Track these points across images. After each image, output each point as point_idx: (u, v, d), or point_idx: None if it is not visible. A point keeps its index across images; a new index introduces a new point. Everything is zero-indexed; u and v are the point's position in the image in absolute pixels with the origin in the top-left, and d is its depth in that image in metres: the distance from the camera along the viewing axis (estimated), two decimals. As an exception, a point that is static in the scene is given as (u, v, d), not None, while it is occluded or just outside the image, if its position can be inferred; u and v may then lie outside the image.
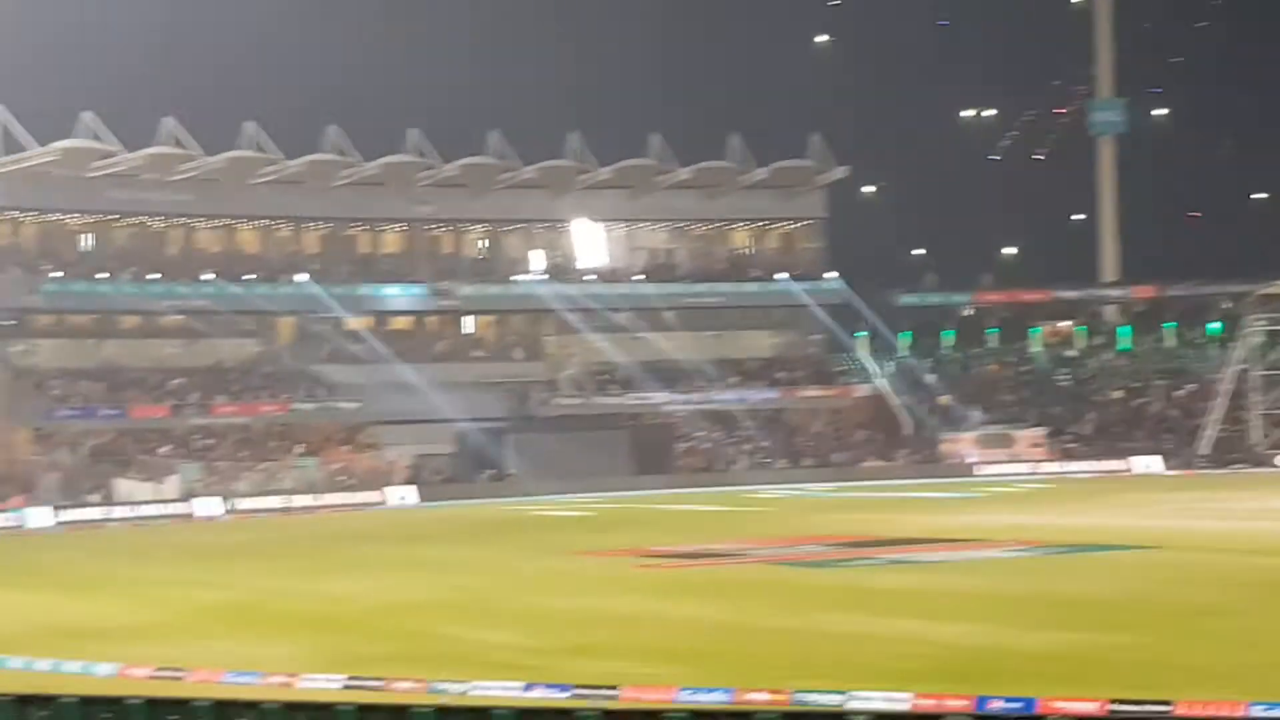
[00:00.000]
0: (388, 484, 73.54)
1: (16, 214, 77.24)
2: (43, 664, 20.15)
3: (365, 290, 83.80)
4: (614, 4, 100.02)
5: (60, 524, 61.41)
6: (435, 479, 75.98)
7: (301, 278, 79.93)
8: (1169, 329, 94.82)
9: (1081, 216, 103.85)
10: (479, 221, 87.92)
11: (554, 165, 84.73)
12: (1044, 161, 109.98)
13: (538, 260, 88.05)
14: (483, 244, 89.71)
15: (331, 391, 79.17)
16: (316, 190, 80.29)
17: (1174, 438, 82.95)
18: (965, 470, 79.96)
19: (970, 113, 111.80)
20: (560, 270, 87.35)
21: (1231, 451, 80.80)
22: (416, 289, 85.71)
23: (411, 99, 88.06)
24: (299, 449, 75.45)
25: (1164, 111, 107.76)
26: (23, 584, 36.27)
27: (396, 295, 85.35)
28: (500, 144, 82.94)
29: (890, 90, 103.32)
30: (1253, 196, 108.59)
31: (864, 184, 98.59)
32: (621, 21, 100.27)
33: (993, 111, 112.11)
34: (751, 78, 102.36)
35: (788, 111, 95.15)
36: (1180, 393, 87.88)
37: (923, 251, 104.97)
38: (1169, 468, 79.47)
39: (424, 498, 72.33)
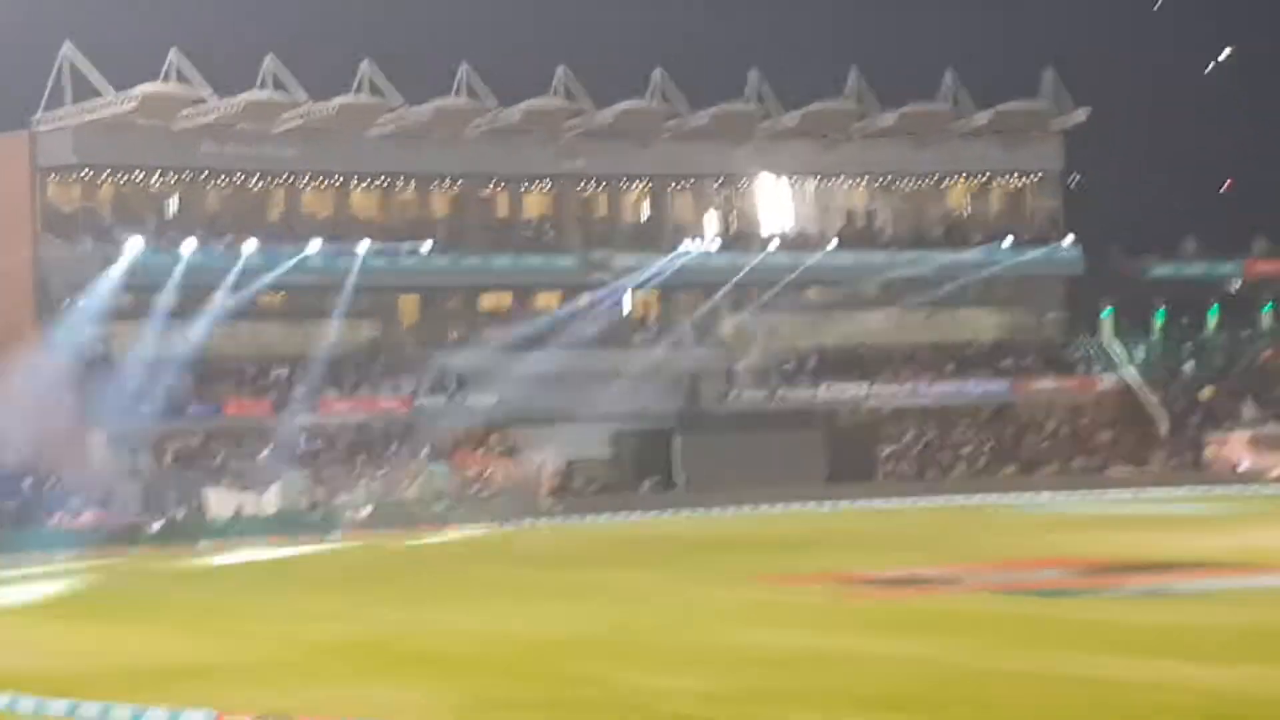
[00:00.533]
0: (533, 494, 70.28)
1: (89, 172, 73.75)
2: (122, 710, 18.82)
3: (503, 262, 79.78)
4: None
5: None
6: (590, 488, 72.09)
7: (427, 247, 75.84)
8: None
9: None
10: (640, 178, 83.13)
11: (730, 110, 79.60)
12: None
13: (711, 225, 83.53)
14: (645, 205, 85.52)
15: (463, 384, 75.32)
16: (445, 142, 76.05)
17: None
18: (1235, 478, 74.48)
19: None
20: (738, 237, 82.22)
21: None
22: (565, 260, 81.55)
23: (557, 34, 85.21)
24: (425, 452, 71.59)
25: None
26: (100, 615, 35.23)
27: (541, 267, 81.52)
28: (665, 85, 79.71)
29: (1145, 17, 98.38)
30: None
31: (1108, 130, 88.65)
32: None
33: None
34: (966, 3, 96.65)
35: (1015, 44, 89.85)
36: None
37: (1182, 212, 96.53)
38: None
39: (576, 510, 69.60)
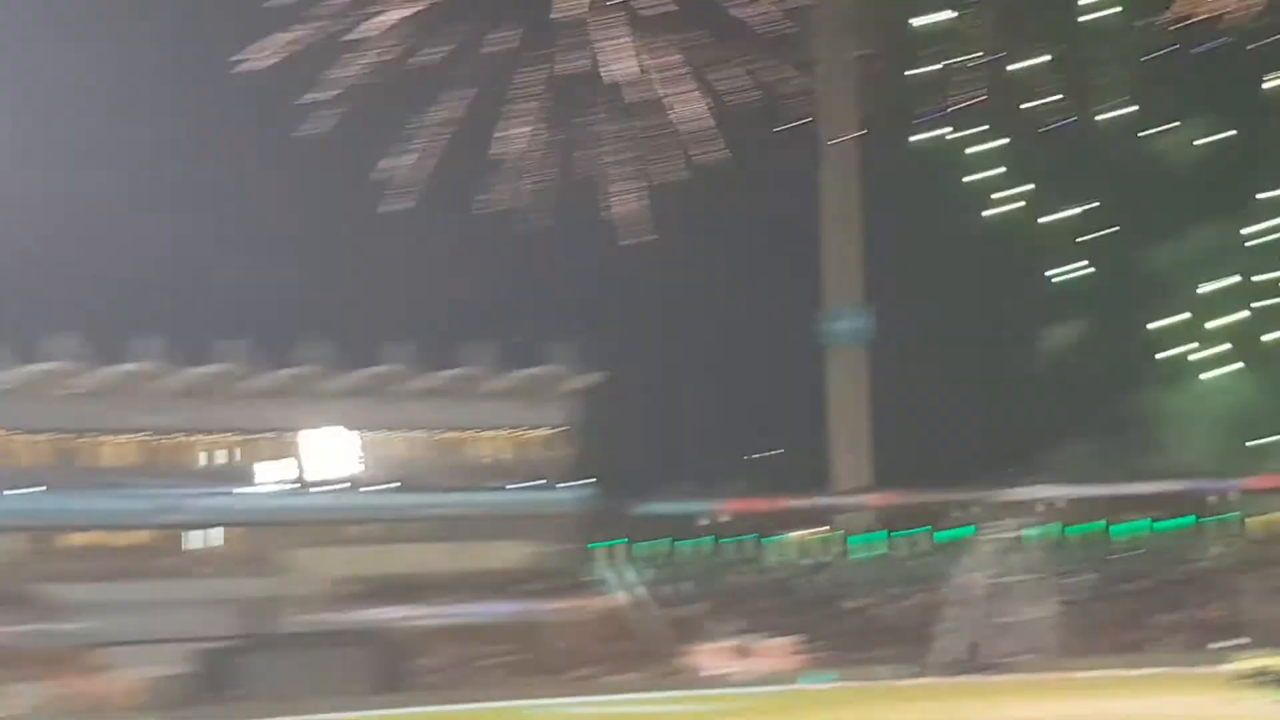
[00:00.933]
0: (120, 709, 74.46)
1: None
2: None
3: (95, 502, 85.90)
4: (353, 213, 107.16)
5: None
6: (174, 703, 77.31)
7: (21, 490, 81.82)
8: (910, 535, 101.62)
9: (822, 426, 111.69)
10: (220, 430, 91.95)
11: (298, 372, 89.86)
12: (783, 366, 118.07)
13: (280, 470, 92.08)
14: (223, 454, 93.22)
15: (53, 612, 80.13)
16: (44, 399, 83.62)
17: (913, 645, 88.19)
18: (713, 681, 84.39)
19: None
20: (303, 480, 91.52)
21: (966, 663, 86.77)
22: (150, 500, 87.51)
23: (149, 305, 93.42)
24: (15, 675, 75.12)
25: (897, 322, 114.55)
26: None
27: (129, 507, 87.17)
28: (243, 350, 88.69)
29: (641, 299, 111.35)
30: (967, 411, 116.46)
31: (614, 391, 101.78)
32: (365, 232, 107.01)
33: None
34: (498, 284, 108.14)
35: (539, 318, 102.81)
36: (921, 598, 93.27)
37: (671, 459, 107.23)
38: (912, 675, 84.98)
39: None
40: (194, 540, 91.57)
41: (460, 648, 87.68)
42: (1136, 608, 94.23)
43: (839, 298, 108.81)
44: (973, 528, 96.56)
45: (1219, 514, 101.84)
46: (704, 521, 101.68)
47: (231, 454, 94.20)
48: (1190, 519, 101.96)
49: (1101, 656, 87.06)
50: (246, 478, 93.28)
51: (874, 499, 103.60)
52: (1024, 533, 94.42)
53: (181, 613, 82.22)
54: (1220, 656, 76.66)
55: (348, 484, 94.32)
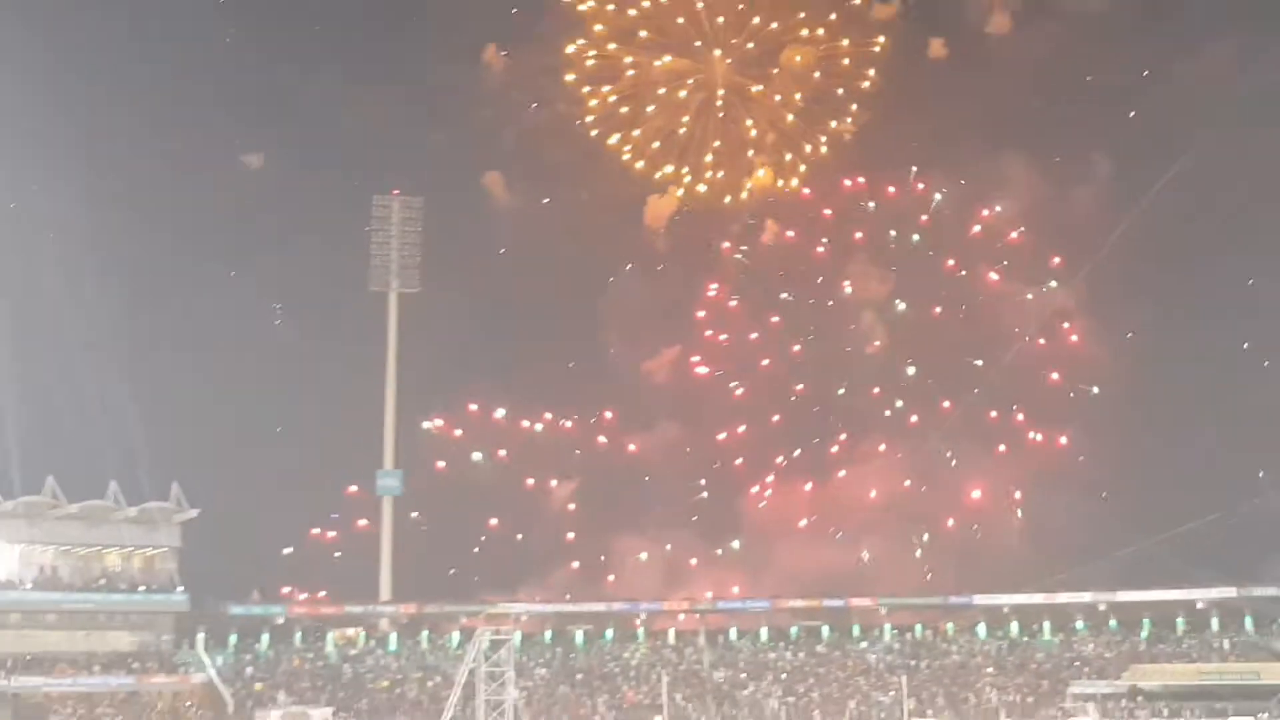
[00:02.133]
0: None
1: None
2: None
3: None
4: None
5: None
6: None
7: None
8: (424, 636, 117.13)
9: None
10: None
11: None
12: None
13: None
14: None
15: None
16: None
17: (423, 715, 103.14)
18: None
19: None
20: None
21: None
22: None
23: None
24: None
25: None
26: None
27: None
28: None
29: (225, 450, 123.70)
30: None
31: (208, 521, 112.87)
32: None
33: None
34: (124, 430, 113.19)
35: (156, 462, 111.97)
36: (430, 683, 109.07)
37: (254, 572, 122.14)
38: None
39: None
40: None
41: (82, 709, 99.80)
42: (580, 693, 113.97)
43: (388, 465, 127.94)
44: (471, 630, 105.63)
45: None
46: (279, 620, 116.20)
47: None
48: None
49: None
50: None
51: (403, 608, 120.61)
52: (508, 635, 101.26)
53: None
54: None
55: (1, 584, 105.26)
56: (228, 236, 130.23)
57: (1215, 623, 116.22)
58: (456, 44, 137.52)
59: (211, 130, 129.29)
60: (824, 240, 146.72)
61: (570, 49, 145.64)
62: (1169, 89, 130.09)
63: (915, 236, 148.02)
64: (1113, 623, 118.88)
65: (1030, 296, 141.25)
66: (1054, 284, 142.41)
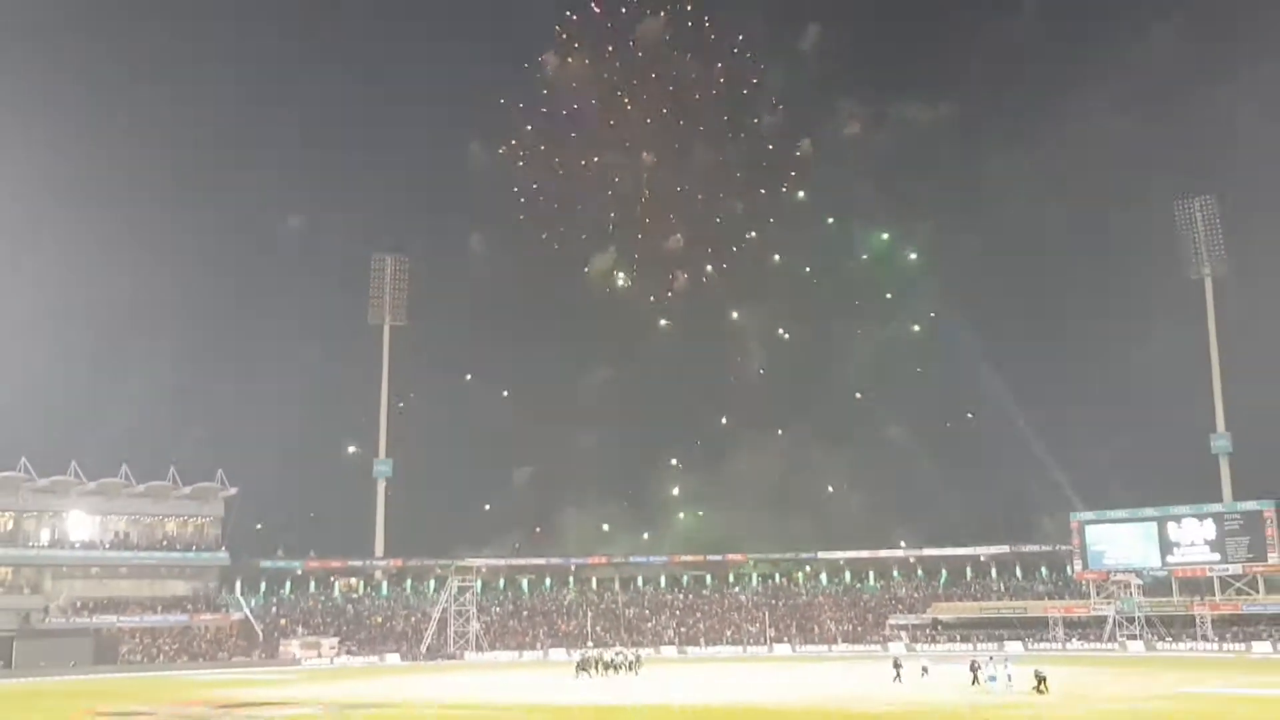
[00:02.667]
0: None
1: None
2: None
3: None
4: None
5: None
6: None
7: None
8: (408, 583, 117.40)
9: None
10: (8, 511, 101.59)
11: (59, 479, 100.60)
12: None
13: (45, 534, 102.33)
14: (10, 523, 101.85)
15: None
16: None
17: (407, 643, 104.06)
18: (293, 661, 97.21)
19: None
20: (59, 540, 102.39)
21: (438, 651, 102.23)
22: None
23: None
24: None
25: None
26: None
27: None
28: (26, 466, 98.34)
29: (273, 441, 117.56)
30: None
31: (245, 498, 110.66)
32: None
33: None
34: (182, 429, 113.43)
35: (205, 453, 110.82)
36: (412, 618, 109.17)
37: (273, 532, 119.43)
38: (406, 659, 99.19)
39: None
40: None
41: (147, 639, 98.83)
42: (525, 626, 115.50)
43: (382, 455, 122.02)
44: (444, 578, 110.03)
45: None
46: (298, 571, 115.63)
47: (15, 524, 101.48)
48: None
49: (507, 650, 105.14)
50: (25, 539, 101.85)
51: (393, 561, 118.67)
52: (472, 582, 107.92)
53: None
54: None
55: (87, 544, 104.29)
56: (267, 281, 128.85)
57: (994, 572, 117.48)
58: (445, 136, 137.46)
59: (259, 198, 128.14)
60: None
61: (500, 150, 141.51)
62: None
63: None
64: (920, 572, 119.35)
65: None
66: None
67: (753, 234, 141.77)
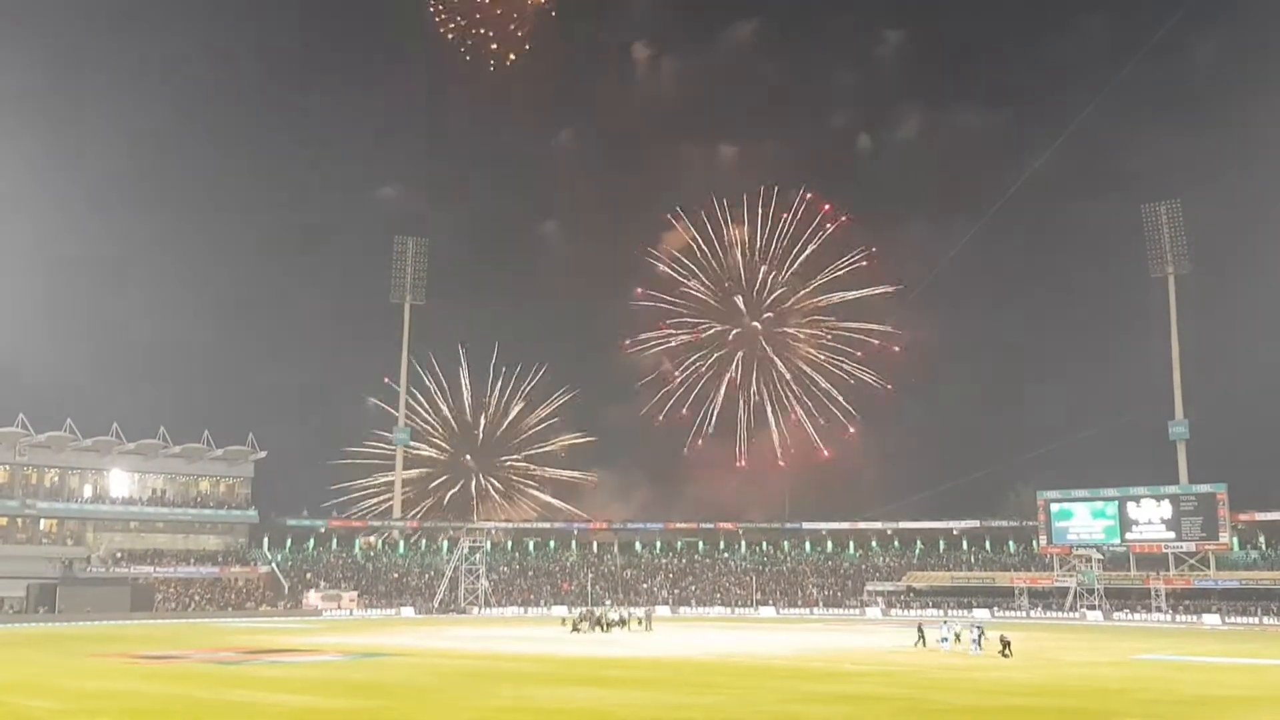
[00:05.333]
0: None
1: None
2: None
3: None
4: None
5: None
6: (10, 611, 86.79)
7: None
8: (423, 544, 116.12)
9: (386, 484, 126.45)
10: (55, 467, 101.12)
11: (102, 439, 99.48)
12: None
13: (88, 489, 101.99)
14: (57, 479, 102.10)
15: None
16: None
17: (422, 598, 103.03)
18: (315, 612, 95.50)
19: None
20: (100, 496, 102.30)
21: (449, 606, 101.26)
22: (11, 501, 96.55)
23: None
24: None
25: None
26: None
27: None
28: (71, 426, 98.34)
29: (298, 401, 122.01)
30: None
31: (274, 460, 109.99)
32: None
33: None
34: (218, 395, 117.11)
35: (238, 417, 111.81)
36: (426, 575, 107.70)
37: (302, 497, 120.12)
38: (419, 612, 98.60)
39: (6, 621, 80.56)
40: (38, 525, 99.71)
41: (181, 590, 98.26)
42: (531, 584, 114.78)
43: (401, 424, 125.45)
44: (456, 540, 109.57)
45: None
46: (322, 530, 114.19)
47: (61, 479, 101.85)
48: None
49: (511, 607, 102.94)
50: (69, 493, 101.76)
51: (410, 523, 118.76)
52: (482, 543, 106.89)
53: (28, 565, 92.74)
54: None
55: (126, 500, 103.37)
56: (300, 260, 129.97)
57: (965, 544, 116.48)
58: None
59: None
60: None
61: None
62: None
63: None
64: (896, 543, 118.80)
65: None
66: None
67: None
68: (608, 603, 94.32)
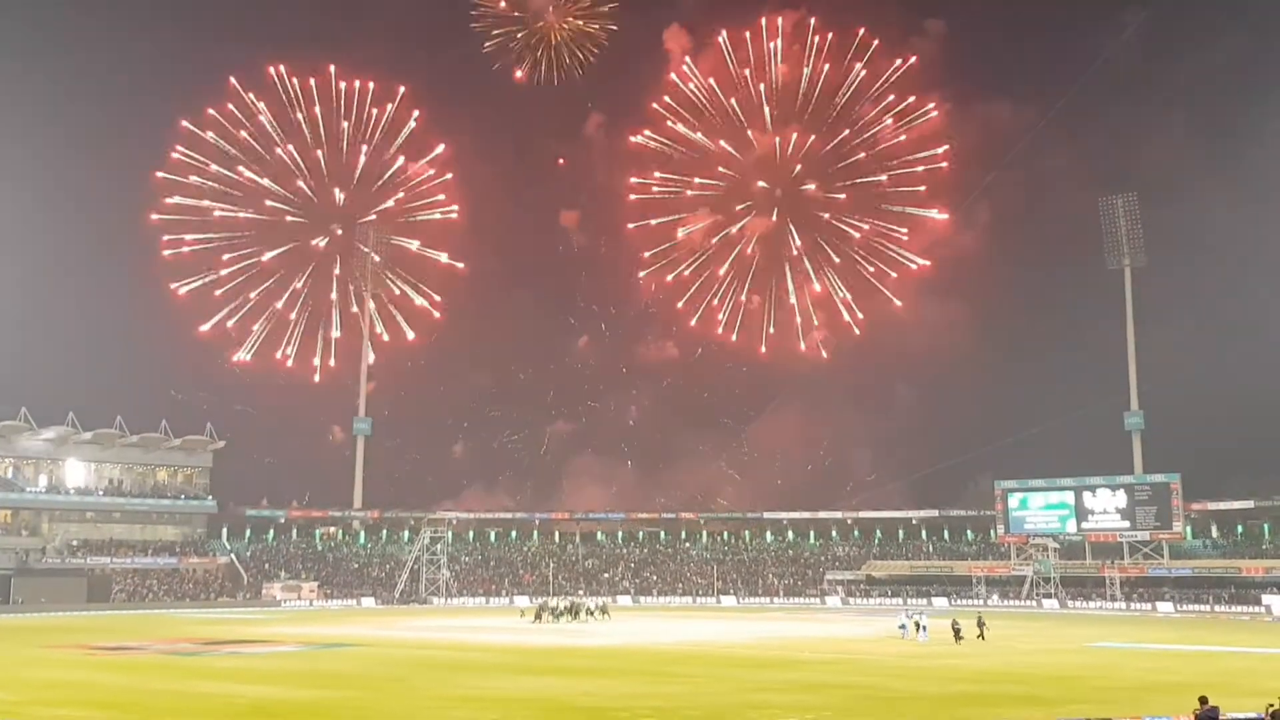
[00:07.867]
0: None
1: None
2: None
3: None
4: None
5: None
6: None
7: None
8: (384, 533, 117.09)
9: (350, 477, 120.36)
10: (9, 457, 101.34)
11: (59, 430, 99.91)
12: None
13: (43, 479, 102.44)
14: (11, 469, 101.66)
15: None
16: None
17: (383, 588, 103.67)
18: (275, 603, 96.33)
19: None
20: (56, 486, 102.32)
21: (410, 596, 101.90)
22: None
23: None
24: None
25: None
26: None
27: None
28: (26, 415, 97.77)
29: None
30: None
31: (232, 450, 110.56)
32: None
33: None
34: (177, 386, 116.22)
35: (196, 408, 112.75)
36: (387, 566, 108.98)
37: (261, 486, 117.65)
38: (380, 603, 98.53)
39: None
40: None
41: (138, 580, 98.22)
42: (492, 575, 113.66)
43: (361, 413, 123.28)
44: (417, 529, 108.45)
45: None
46: (281, 520, 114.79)
47: (16, 470, 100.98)
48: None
49: (475, 597, 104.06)
50: (22, 484, 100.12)
51: (370, 513, 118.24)
52: (443, 533, 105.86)
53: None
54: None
55: (81, 490, 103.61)
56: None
57: (924, 533, 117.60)
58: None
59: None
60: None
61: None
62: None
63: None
64: (856, 533, 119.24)
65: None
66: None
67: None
68: (581, 592, 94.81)
